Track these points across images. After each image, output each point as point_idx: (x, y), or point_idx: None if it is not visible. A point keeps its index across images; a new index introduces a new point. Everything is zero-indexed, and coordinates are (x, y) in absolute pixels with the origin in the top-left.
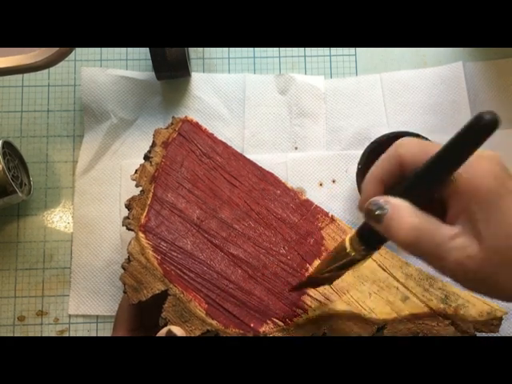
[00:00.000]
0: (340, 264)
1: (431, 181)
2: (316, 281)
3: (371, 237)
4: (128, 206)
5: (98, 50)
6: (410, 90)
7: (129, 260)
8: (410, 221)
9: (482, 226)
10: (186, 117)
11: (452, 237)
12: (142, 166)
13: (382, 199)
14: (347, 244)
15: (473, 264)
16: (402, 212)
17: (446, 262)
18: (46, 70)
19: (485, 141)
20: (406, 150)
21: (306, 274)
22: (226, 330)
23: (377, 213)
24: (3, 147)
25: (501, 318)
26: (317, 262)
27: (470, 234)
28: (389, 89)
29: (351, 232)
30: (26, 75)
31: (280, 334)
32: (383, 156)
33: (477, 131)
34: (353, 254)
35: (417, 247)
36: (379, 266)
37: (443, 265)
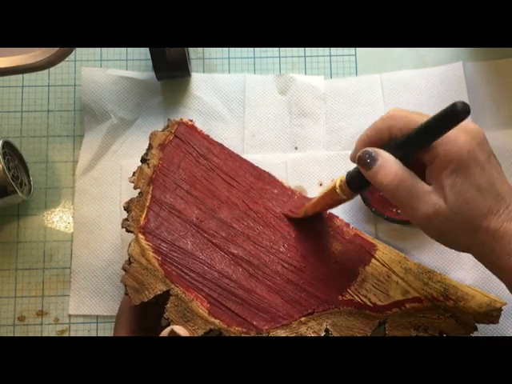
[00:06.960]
0: (330, 203)
1: (414, 146)
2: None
3: (358, 183)
4: (127, 209)
5: (98, 50)
6: (409, 89)
7: (129, 262)
8: (395, 171)
9: (449, 190)
10: (181, 119)
11: (427, 192)
12: (140, 168)
13: (373, 150)
14: (338, 189)
15: (437, 220)
16: (389, 162)
17: (416, 213)
18: (46, 70)
19: (456, 124)
20: (396, 122)
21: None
22: (229, 328)
23: (368, 161)
24: (3, 147)
25: (500, 309)
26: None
27: (439, 195)
28: (389, 89)
29: (339, 178)
30: (26, 75)
31: (282, 332)
32: (377, 123)
33: (450, 117)
34: (342, 195)
35: (396, 194)
36: (378, 260)
37: (414, 215)
